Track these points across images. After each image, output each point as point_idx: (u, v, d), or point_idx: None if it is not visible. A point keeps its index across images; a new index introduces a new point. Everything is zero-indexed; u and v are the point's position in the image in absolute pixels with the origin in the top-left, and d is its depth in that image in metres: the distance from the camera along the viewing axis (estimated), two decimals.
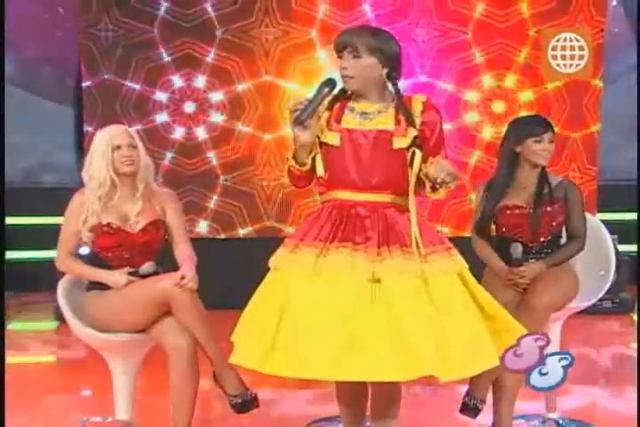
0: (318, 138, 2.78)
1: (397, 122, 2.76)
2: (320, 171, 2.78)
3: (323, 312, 2.58)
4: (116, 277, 3.20)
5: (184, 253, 3.32)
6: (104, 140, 3.26)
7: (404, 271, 2.64)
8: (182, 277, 3.10)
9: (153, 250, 3.31)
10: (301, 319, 2.59)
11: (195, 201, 5.94)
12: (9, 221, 4.18)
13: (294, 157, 2.77)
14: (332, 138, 2.77)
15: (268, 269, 2.82)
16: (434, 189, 2.74)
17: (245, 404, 3.15)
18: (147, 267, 3.26)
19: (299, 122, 2.67)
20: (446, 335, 2.60)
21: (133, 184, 3.28)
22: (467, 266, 2.79)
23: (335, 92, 2.77)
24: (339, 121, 2.78)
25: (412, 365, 2.52)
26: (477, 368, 2.71)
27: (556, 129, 3.62)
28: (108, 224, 3.22)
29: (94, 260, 3.29)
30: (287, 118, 2.74)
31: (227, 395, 3.16)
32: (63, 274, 3.40)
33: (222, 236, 6.01)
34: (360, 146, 2.75)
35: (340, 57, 2.77)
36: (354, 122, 2.77)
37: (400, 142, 2.75)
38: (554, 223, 3.47)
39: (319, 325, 2.56)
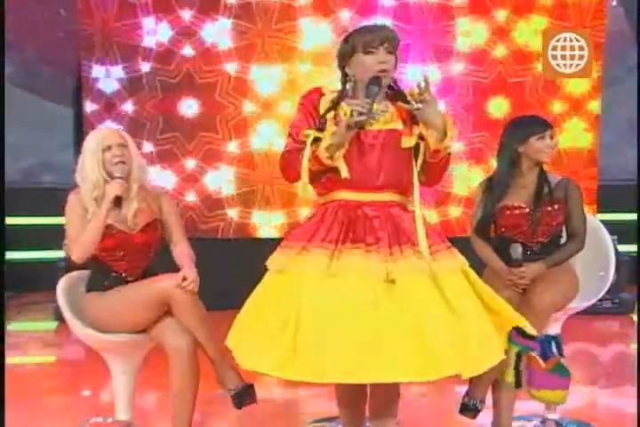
0: None
1: (404, 120, 2.78)
2: (344, 173, 2.73)
3: (340, 315, 2.57)
4: (109, 189, 3.16)
5: (182, 252, 3.32)
6: (95, 141, 3.25)
7: (417, 271, 2.66)
8: (184, 279, 3.10)
9: (152, 250, 3.30)
10: (320, 323, 2.58)
11: None
12: (9, 221, 4.19)
13: (326, 152, 2.71)
14: None
15: (266, 269, 2.81)
16: (439, 140, 2.72)
17: (242, 393, 3.12)
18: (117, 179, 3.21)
19: (361, 125, 2.66)
20: (461, 333, 2.61)
21: (127, 185, 3.27)
22: (467, 263, 2.81)
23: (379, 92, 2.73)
24: None
25: (433, 365, 2.53)
26: (489, 363, 2.71)
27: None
28: (109, 226, 3.21)
29: (91, 261, 3.27)
30: (348, 118, 2.66)
31: (227, 391, 3.15)
32: (63, 274, 3.39)
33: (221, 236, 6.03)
34: (369, 146, 2.75)
35: (369, 52, 2.73)
36: None
37: (408, 141, 2.77)
38: (554, 223, 3.48)
39: (338, 328, 2.56)
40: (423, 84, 2.68)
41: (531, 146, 3.46)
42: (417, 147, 2.79)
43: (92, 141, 3.26)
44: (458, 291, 2.70)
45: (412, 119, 2.76)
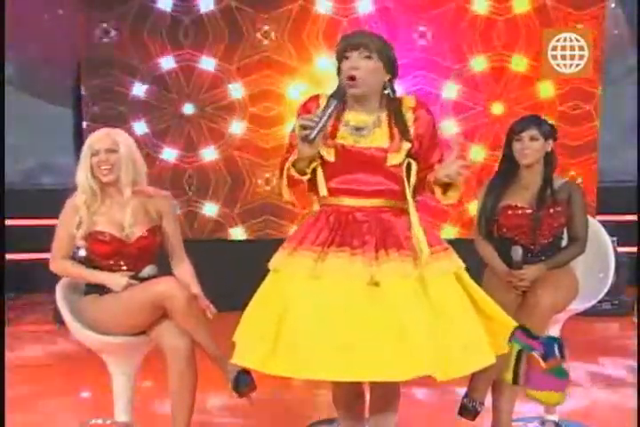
0: None
1: (391, 137, 2.77)
2: (323, 191, 2.77)
3: (323, 314, 2.60)
4: (117, 279, 3.18)
5: (185, 271, 3.34)
6: (86, 145, 3.26)
7: (401, 274, 2.66)
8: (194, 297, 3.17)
9: (150, 255, 3.29)
10: (302, 321, 2.61)
11: None
12: (8, 222, 4.19)
13: (294, 166, 2.73)
14: (327, 153, 2.76)
15: (268, 270, 2.83)
16: (445, 193, 2.75)
17: (239, 377, 3.11)
18: (147, 270, 3.26)
19: (309, 140, 2.62)
20: (444, 336, 2.62)
21: (120, 190, 3.26)
22: (463, 265, 2.81)
23: (339, 105, 2.70)
24: (333, 136, 2.77)
25: (409, 365, 2.54)
26: (474, 367, 2.72)
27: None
28: (102, 233, 3.21)
29: (89, 264, 3.28)
30: (297, 133, 2.67)
31: (229, 380, 3.15)
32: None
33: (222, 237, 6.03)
34: (355, 163, 2.76)
35: (345, 58, 2.74)
36: (349, 138, 2.76)
37: (394, 159, 2.76)
38: (555, 225, 3.47)
39: (319, 326, 2.58)
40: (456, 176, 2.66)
41: (513, 148, 3.48)
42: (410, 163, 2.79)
43: (85, 147, 3.26)
44: (445, 294, 2.70)
45: (400, 135, 2.76)
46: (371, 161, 2.75)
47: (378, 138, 2.77)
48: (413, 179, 2.78)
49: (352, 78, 2.71)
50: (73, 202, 3.25)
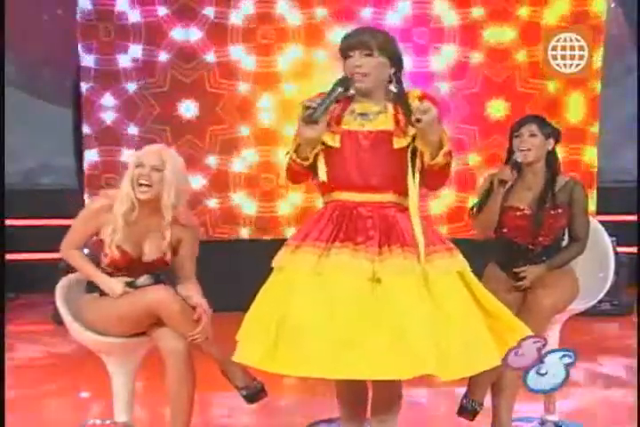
0: None
1: (397, 122, 2.78)
2: (322, 176, 2.78)
3: (324, 311, 2.60)
4: (114, 286, 3.15)
5: (190, 289, 3.27)
6: (134, 156, 3.22)
7: (404, 271, 2.66)
8: (199, 319, 3.13)
9: (156, 269, 3.26)
10: (303, 318, 2.61)
11: None
12: (8, 222, 4.19)
13: (296, 152, 2.77)
14: (332, 140, 2.77)
15: (272, 269, 2.83)
16: (432, 156, 2.73)
17: (254, 395, 3.19)
18: (143, 279, 3.22)
19: (311, 120, 2.66)
20: (446, 334, 2.61)
21: (153, 210, 3.18)
22: (467, 266, 2.81)
23: (344, 92, 2.74)
24: (339, 123, 2.79)
25: (411, 363, 2.53)
26: (478, 368, 2.71)
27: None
28: (122, 250, 3.16)
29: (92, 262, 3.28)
30: (299, 114, 2.70)
31: (236, 388, 3.18)
32: (62, 275, 3.39)
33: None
34: (361, 147, 2.77)
35: (347, 57, 2.77)
36: (354, 123, 2.78)
37: (400, 142, 2.77)
38: (557, 226, 3.45)
39: (320, 323, 2.58)
40: (426, 104, 2.66)
41: (513, 145, 3.46)
42: (415, 148, 2.79)
43: (132, 157, 3.21)
44: (448, 292, 2.70)
45: (406, 120, 2.76)
46: (376, 144, 2.76)
47: (383, 122, 2.79)
48: (419, 163, 2.77)
49: (356, 75, 2.74)
50: (105, 204, 3.19)
